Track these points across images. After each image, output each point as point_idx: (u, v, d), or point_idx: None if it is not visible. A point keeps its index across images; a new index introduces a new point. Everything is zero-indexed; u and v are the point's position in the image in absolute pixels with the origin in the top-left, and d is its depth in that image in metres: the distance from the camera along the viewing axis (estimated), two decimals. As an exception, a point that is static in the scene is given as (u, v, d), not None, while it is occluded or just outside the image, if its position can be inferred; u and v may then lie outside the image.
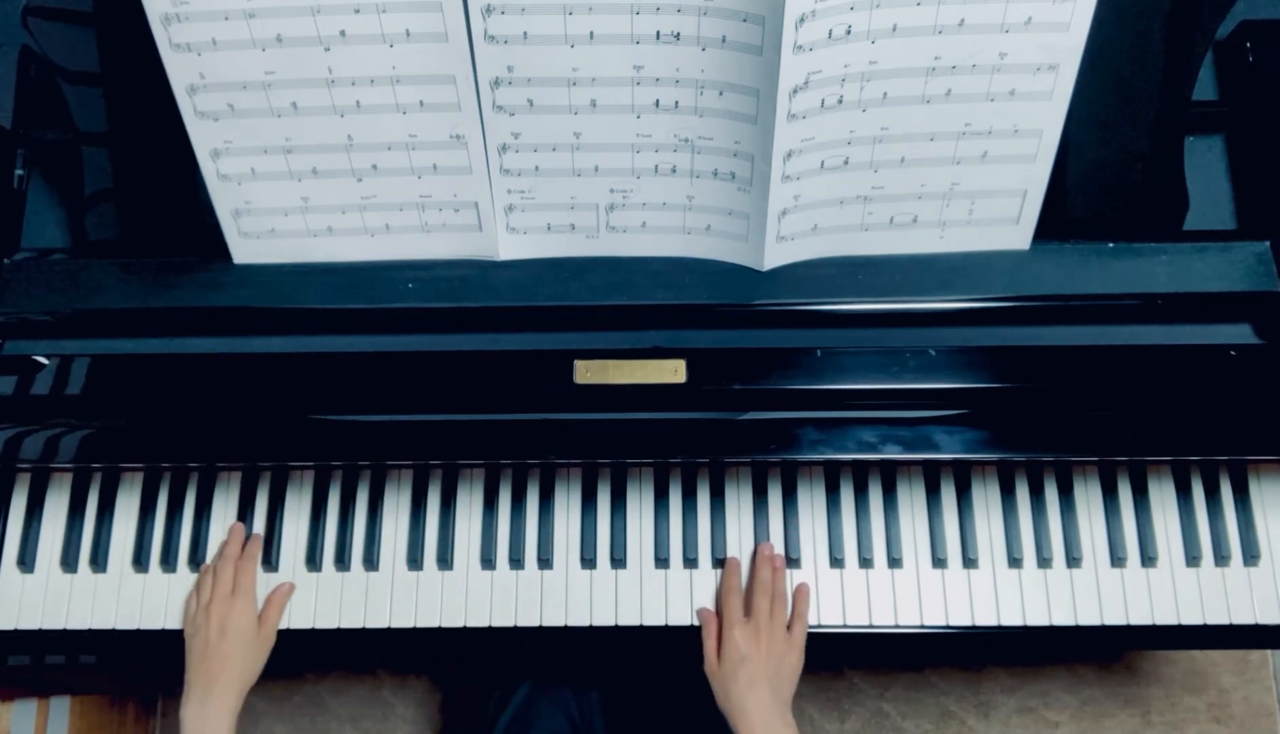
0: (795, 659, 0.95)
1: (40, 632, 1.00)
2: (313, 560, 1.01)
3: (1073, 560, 0.99)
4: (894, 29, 0.79)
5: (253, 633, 0.95)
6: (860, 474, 1.02)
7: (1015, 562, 0.99)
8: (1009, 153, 0.87)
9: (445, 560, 1.01)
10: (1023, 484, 1.02)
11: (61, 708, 1.39)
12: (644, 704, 1.15)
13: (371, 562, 1.01)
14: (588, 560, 1.01)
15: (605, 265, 0.93)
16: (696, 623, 0.98)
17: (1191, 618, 0.98)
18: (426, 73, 0.82)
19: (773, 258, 0.91)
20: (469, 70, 0.82)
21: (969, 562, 0.99)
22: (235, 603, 0.95)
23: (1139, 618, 0.98)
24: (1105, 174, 0.92)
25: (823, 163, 0.86)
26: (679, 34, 0.80)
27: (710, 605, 0.98)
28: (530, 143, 0.87)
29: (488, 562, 1.01)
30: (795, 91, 0.80)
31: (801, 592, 0.98)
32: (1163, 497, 1.01)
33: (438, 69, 0.82)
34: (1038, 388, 0.91)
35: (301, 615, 1.00)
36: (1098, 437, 0.93)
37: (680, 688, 1.14)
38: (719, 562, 1.00)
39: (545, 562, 1.00)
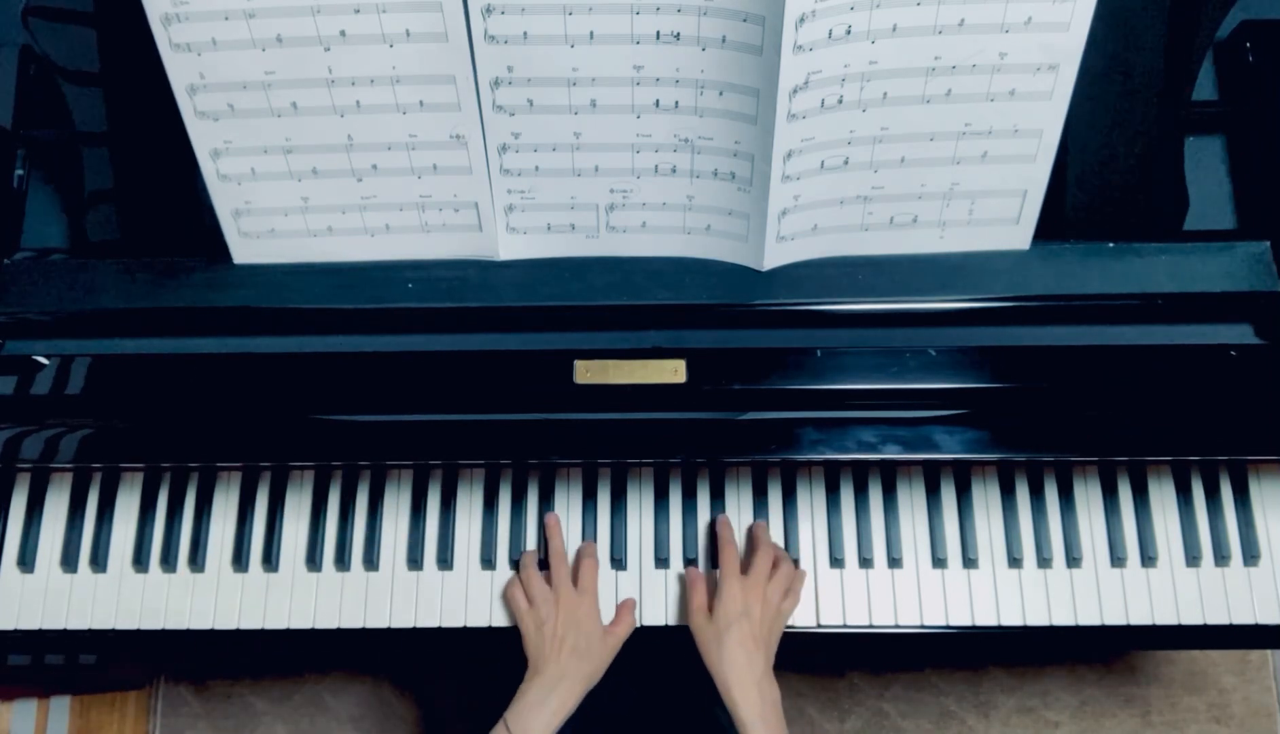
0: (780, 628, 0.94)
1: (40, 632, 1.00)
2: (313, 560, 1.01)
3: (1073, 560, 0.99)
4: (894, 29, 0.79)
5: (600, 635, 0.94)
6: (860, 474, 1.02)
7: (1015, 562, 0.99)
8: (1009, 153, 0.87)
9: (445, 560, 1.01)
10: (1023, 484, 1.02)
11: (61, 708, 1.39)
12: (644, 704, 1.15)
13: (371, 562, 1.01)
14: (588, 560, 1.01)
15: (605, 265, 0.93)
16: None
17: (1191, 618, 0.98)
18: (426, 73, 0.82)
19: (773, 258, 0.91)
20: (469, 70, 0.82)
21: (969, 562, 0.99)
22: (584, 600, 0.95)
23: (1139, 618, 0.98)
24: (1105, 174, 0.92)
25: (823, 163, 0.86)
26: (679, 34, 0.80)
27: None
28: (530, 143, 0.87)
29: (488, 562, 1.01)
30: (795, 91, 0.80)
31: (800, 572, 0.98)
32: (1163, 497, 1.01)
33: (438, 69, 0.82)
34: (1038, 388, 0.91)
35: (301, 615, 1.00)
36: (1098, 437, 0.93)
37: (680, 688, 1.14)
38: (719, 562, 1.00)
39: (546, 563, 1.00)
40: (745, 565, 0.96)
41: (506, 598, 0.98)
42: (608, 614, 0.98)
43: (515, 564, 1.00)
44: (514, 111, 0.85)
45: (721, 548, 0.96)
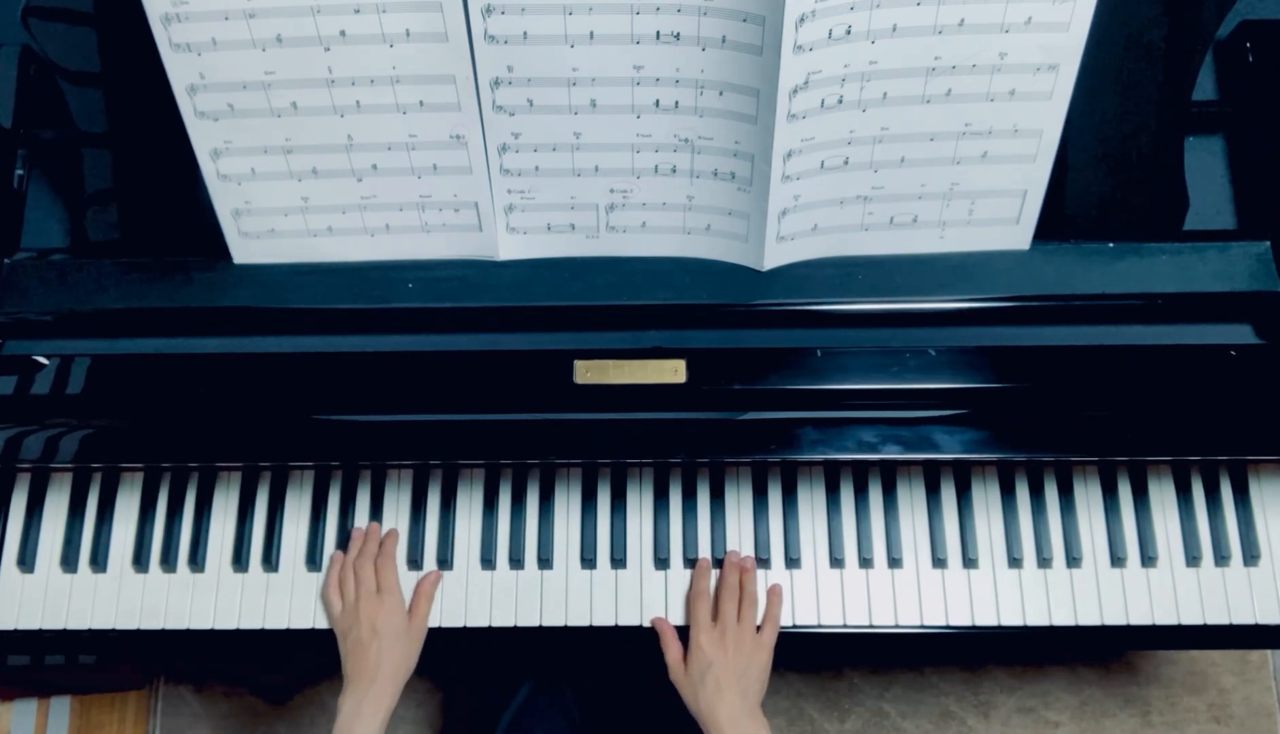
0: (764, 659, 0.95)
1: (40, 632, 1.00)
2: (312, 561, 1.01)
3: (1073, 560, 0.99)
4: (894, 29, 0.79)
5: (404, 628, 0.96)
6: (860, 474, 1.02)
7: (1015, 562, 0.99)
8: (1009, 153, 0.87)
9: (445, 560, 1.01)
10: (1023, 484, 1.02)
11: (61, 708, 1.39)
12: (644, 704, 1.15)
13: (371, 562, 1.01)
14: (588, 560, 1.01)
15: (605, 265, 0.93)
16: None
17: (1191, 618, 0.98)
18: (426, 73, 0.82)
19: (773, 258, 0.91)
20: (469, 70, 0.82)
21: (969, 562, 0.99)
22: (384, 601, 0.95)
23: (1139, 618, 0.98)
24: (1105, 174, 0.92)
25: (823, 163, 0.86)
26: (679, 34, 0.80)
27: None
28: (530, 143, 0.87)
29: (488, 562, 1.01)
30: (795, 91, 0.80)
31: (774, 593, 0.98)
32: (1163, 497, 1.01)
33: (438, 69, 0.82)
34: (1038, 388, 0.91)
35: (302, 615, 1.00)
36: (1098, 437, 0.93)
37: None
38: (719, 562, 1.00)
39: (545, 562, 1.00)
40: (714, 610, 0.97)
41: (323, 601, 0.99)
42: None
43: (513, 563, 1.00)
44: (514, 111, 0.85)
45: (692, 600, 0.97)
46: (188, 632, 1.00)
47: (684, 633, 0.97)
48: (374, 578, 0.97)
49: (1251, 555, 0.99)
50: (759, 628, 0.96)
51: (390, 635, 0.94)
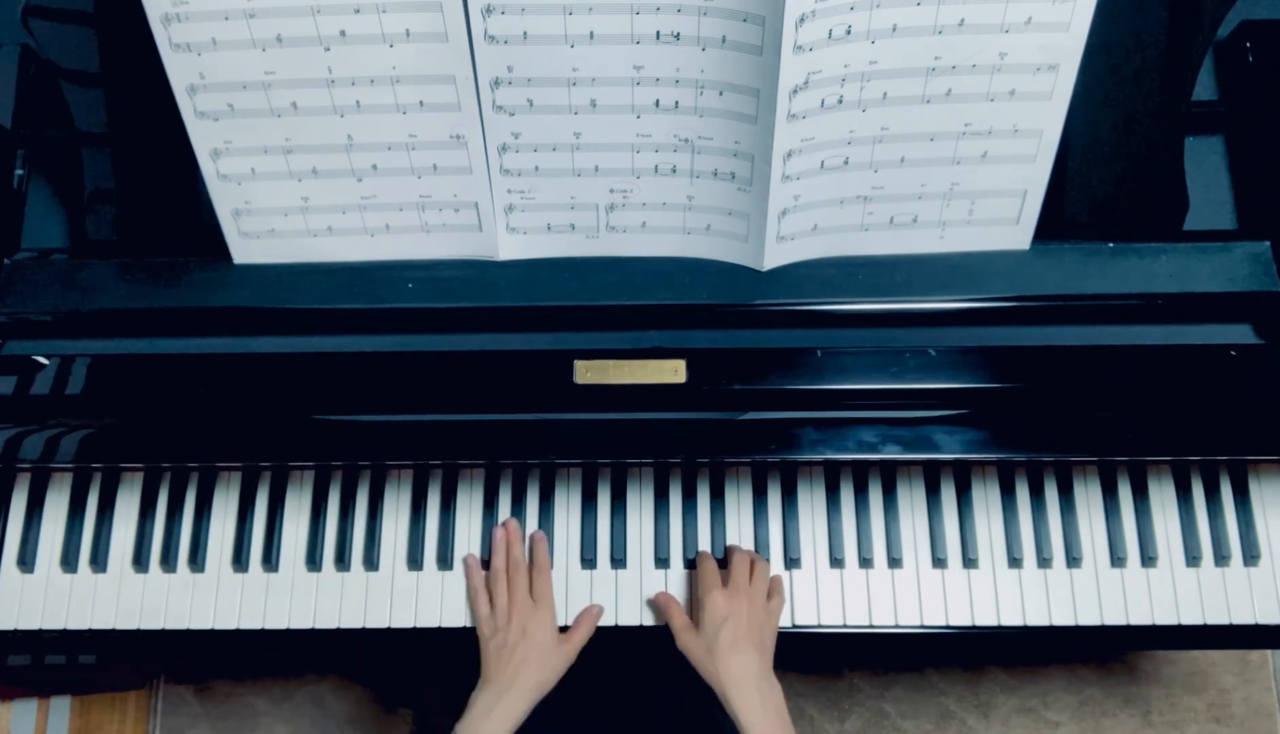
0: (774, 625, 0.94)
1: (40, 632, 1.00)
2: (313, 560, 1.01)
3: (1073, 560, 0.99)
4: (894, 29, 0.79)
5: (554, 643, 0.94)
6: (860, 474, 1.02)
7: (1015, 562, 0.99)
8: (1009, 153, 0.87)
9: (445, 560, 1.01)
10: (1023, 484, 1.02)
11: (61, 708, 1.39)
12: (644, 704, 1.15)
13: (371, 562, 1.01)
14: (588, 560, 1.01)
15: (605, 265, 0.93)
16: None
17: (1191, 618, 0.98)
18: (426, 73, 0.82)
19: (773, 258, 0.91)
20: (469, 70, 0.82)
21: (969, 562, 0.99)
22: (539, 611, 0.95)
23: (1139, 618, 0.98)
24: (1105, 174, 0.92)
25: (823, 163, 0.86)
26: (679, 34, 0.80)
27: None
28: (530, 143, 0.87)
29: (488, 562, 1.01)
30: (795, 91, 0.80)
31: (777, 578, 0.98)
32: (1163, 497, 1.01)
33: (438, 69, 0.82)
34: (1038, 388, 0.91)
35: (301, 615, 1.00)
36: (1098, 437, 0.93)
37: (679, 688, 1.14)
38: (720, 562, 1.00)
39: (487, 562, 1.00)
40: (723, 577, 0.96)
41: (470, 602, 0.98)
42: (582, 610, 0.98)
43: (485, 564, 1.00)
44: (514, 111, 0.85)
45: (700, 564, 0.97)
46: (188, 632, 1.00)
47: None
48: (526, 586, 0.96)
49: (1251, 555, 0.99)
50: (768, 597, 0.96)
51: (539, 644, 0.93)
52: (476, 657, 0.96)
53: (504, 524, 1.00)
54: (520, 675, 0.91)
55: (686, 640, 0.93)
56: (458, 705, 0.93)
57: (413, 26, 0.80)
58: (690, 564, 1.00)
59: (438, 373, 0.92)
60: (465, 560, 1.00)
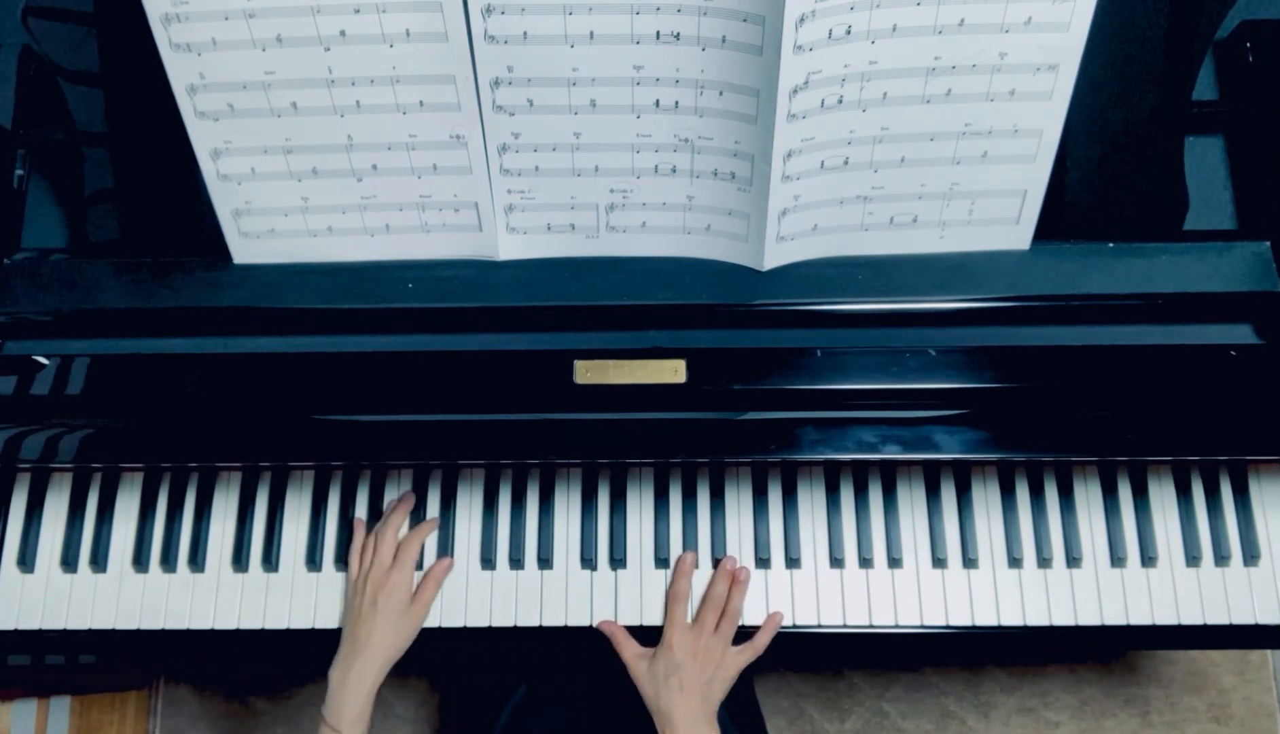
0: (731, 675, 0.95)
1: (40, 632, 1.00)
2: (312, 560, 1.01)
3: (1073, 560, 0.99)
4: (894, 29, 0.79)
5: (404, 608, 0.96)
6: (860, 474, 1.02)
7: (1015, 562, 0.99)
8: (1009, 153, 0.87)
9: (445, 560, 1.01)
10: (1023, 484, 1.02)
11: (61, 708, 1.39)
12: (641, 705, 1.15)
13: (371, 562, 1.00)
14: (588, 560, 1.01)
15: (605, 265, 0.93)
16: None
17: (1191, 618, 0.98)
18: (426, 73, 0.82)
19: (773, 258, 0.91)
20: (469, 70, 0.82)
21: (969, 562, 0.99)
22: (391, 575, 0.96)
23: (1139, 618, 0.98)
24: (1105, 174, 0.92)
25: (823, 163, 0.86)
26: (679, 34, 0.80)
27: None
28: (530, 143, 0.87)
29: (488, 562, 1.01)
30: (795, 91, 0.80)
31: (772, 619, 0.98)
32: (1163, 497, 1.01)
33: (438, 69, 0.82)
34: (1038, 388, 0.91)
35: (302, 615, 1.00)
36: (1098, 437, 0.93)
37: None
38: (719, 561, 1.00)
39: (545, 562, 1.00)
40: (694, 618, 0.97)
41: (347, 565, 1.00)
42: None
43: (513, 563, 1.00)
44: (514, 111, 0.85)
45: (671, 601, 0.97)
46: (188, 632, 1.00)
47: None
48: (391, 551, 0.97)
49: (1251, 555, 0.99)
50: (737, 646, 0.96)
51: (388, 613, 0.94)
52: (476, 654, 0.96)
53: (402, 494, 1.01)
54: (367, 645, 0.93)
55: (638, 672, 0.95)
56: (461, 704, 0.93)
57: (413, 26, 0.80)
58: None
59: (438, 373, 0.92)
60: (354, 521, 1.01)
